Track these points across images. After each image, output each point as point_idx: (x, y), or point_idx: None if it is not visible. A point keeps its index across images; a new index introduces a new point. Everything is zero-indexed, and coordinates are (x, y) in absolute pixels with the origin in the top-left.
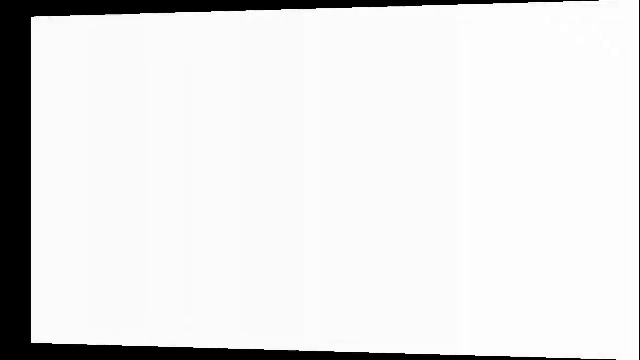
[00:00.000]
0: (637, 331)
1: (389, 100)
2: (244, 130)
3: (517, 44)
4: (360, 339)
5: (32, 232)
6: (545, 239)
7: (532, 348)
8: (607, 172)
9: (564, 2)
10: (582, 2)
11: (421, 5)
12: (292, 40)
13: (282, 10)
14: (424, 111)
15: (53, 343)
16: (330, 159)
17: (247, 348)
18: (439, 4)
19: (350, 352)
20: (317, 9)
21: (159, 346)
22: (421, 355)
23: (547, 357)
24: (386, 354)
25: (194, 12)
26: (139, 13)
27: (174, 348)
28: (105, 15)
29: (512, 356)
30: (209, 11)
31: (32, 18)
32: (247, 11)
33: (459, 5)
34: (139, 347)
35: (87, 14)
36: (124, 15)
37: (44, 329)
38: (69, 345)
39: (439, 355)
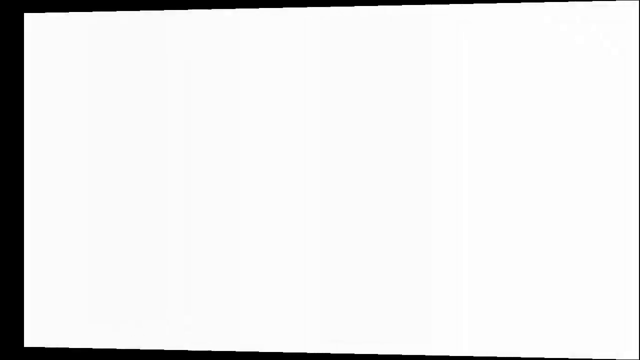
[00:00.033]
0: (637, 331)
1: (389, 99)
2: (244, 130)
3: (518, 44)
4: (360, 339)
5: (25, 234)
6: (546, 239)
7: (532, 348)
8: (607, 172)
9: (564, 2)
10: (582, 2)
11: (422, 4)
12: (292, 41)
13: (283, 9)
14: (424, 111)
15: (46, 346)
16: (331, 158)
17: (247, 349)
18: (439, 4)
19: (351, 354)
20: (318, 7)
21: (154, 349)
22: (422, 356)
23: (547, 357)
24: (386, 354)
25: (194, 10)
26: (133, 10)
27: (172, 351)
28: (100, 12)
29: (512, 356)
30: (209, 9)
31: (25, 14)
32: (247, 9)
33: (459, 5)
34: (133, 349)
35: (80, 11)
36: (117, 12)
37: (37, 332)
38: (62, 348)
39: (439, 355)
